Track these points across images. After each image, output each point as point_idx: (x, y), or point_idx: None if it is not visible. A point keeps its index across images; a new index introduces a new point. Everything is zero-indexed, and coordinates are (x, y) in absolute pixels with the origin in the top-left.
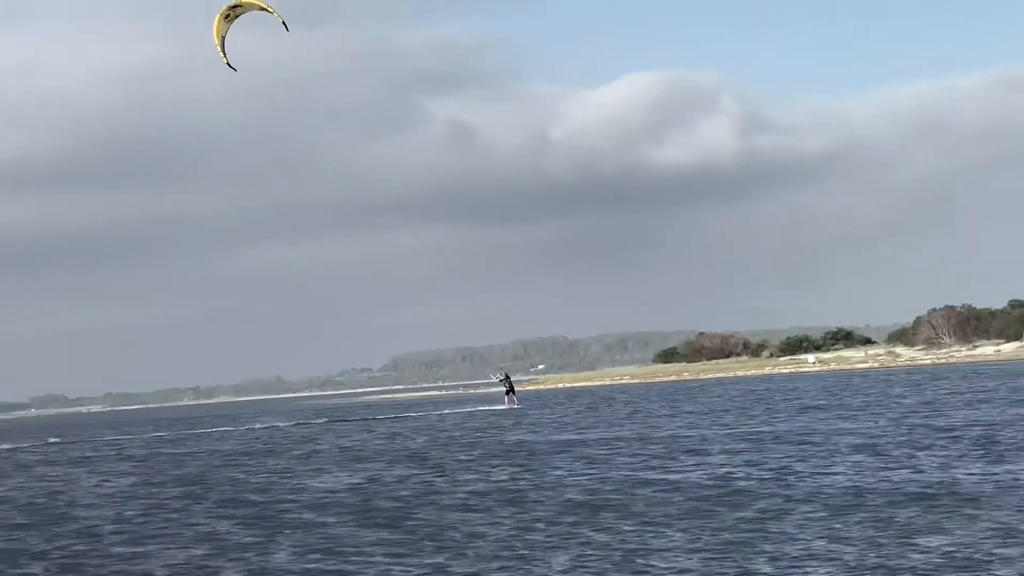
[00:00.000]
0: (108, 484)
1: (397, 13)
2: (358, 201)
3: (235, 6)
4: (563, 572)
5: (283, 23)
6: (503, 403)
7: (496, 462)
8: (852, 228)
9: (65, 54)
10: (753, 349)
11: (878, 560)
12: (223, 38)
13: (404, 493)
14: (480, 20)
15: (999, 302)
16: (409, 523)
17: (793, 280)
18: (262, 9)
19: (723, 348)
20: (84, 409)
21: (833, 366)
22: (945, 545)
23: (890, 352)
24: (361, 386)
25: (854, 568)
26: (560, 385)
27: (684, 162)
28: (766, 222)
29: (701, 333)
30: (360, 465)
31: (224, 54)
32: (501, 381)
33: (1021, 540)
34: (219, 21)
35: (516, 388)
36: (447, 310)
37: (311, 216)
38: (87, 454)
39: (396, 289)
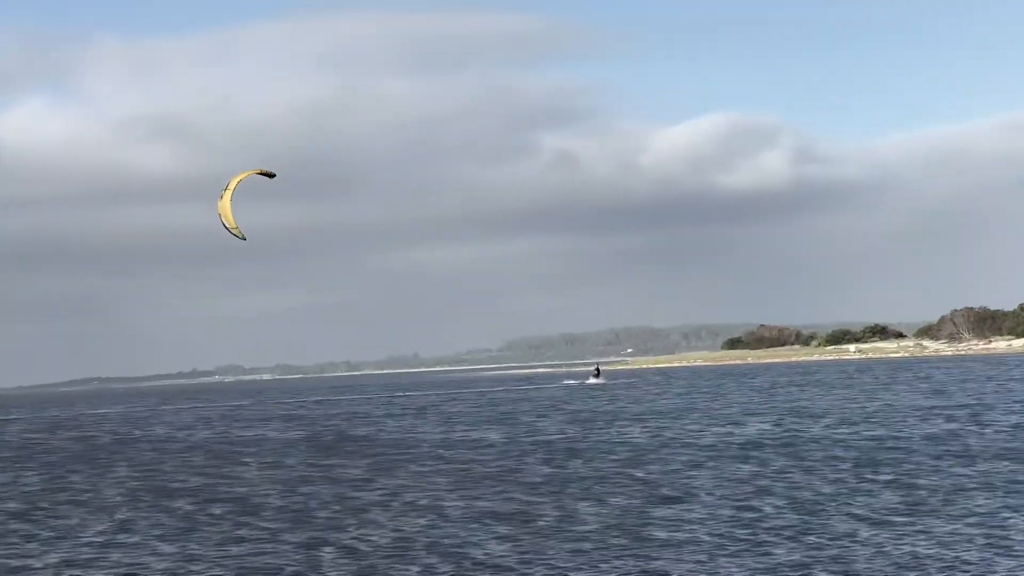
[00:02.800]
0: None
1: (518, 60)
2: (483, 215)
3: (231, 189)
4: None
5: (267, 175)
6: (591, 380)
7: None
8: (885, 242)
9: (254, 94)
10: (804, 339)
11: None
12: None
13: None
14: (584, 66)
15: (1011, 304)
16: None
17: (836, 284)
18: (257, 173)
19: (779, 338)
20: (257, 377)
21: (870, 355)
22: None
23: (918, 344)
24: (482, 363)
25: None
26: (646, 365)
27: (747, 186)
28: (814, 236)
29: (761, 325)
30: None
31: (239, 232)
32: (594, 372)
33: None
34: (228, 203)
35: (608, 368)
36: (552, 302)
37: (445, 226)
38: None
39: (512, 285)
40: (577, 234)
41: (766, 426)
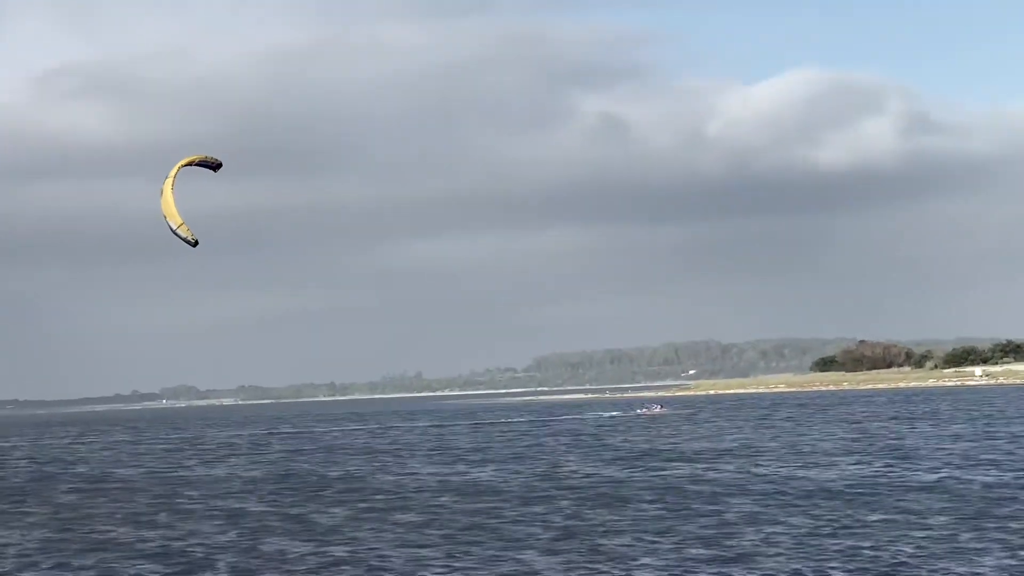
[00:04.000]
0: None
1: (551, 3)
2: (505, 196)
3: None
4: None
5: (214, 166)
6: (652, 409)
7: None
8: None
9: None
10: (916, 360)
11: None
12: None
13: None
14: (635, 12)
15: None
16: None
17: (959, 288)
18: (191, 164)
19: (884, 358)
20: (217, 402)
21: (1002, 380)
22: None
23: None
24: (504, 386)
25: None
26: (712, 391)
27: (843, 163)
28: (931, 227)
29: (861, 341)
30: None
31: (187, 232)
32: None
33: None
34: (170, 197)
35: (666, 393)
36: (594, 309)
37: (456, 211)
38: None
39: (542, 286)
40: (625, 223)
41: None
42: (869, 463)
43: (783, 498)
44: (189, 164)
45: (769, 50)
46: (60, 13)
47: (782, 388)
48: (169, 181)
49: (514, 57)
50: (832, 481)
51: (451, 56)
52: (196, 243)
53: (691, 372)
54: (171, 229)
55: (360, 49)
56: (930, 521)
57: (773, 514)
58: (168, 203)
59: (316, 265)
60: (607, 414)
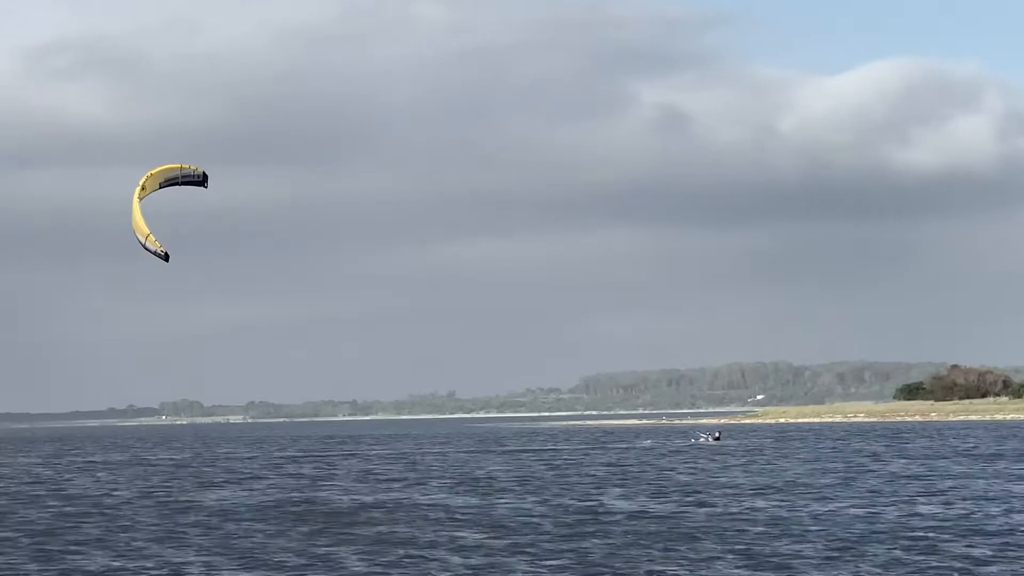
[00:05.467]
0: None
1: None
2: (549, 194)
3: (143, 188)
4: None
5: (198, 180)
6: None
7: None
8: None
9: (223, 12)
10: (1015, 389)
11: None
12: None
13: None
14: None
15: None
16: None
17: None
18: (170, 182)
19: (979, 386)
20: (223, 419)
21: None
22: None
23: None
24: (548, 409)
25: None
26: (783, 419)
27: (934, 165)
28: None
29: (953, 366)
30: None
31: (156, 244)
32: (715, 438)
33: None
34: (137, 207)
35: (727, 420)
36: (650, 325)
37: (494, 209)
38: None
39: (591, 297)
40: (686, 227)
41: None
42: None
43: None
44: (167, 183)
45: (852, 38)
46: None
47: (862, 418)
48: (137, 190)
49: (563, 39)
50: None
51: (493, 37)
52: (167, 256)
53: (759, 397)
54: (142, 245)
55: (391, 26)
56: None
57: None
58: (136, 217)
59: (337, 267)
60: (657, 442)
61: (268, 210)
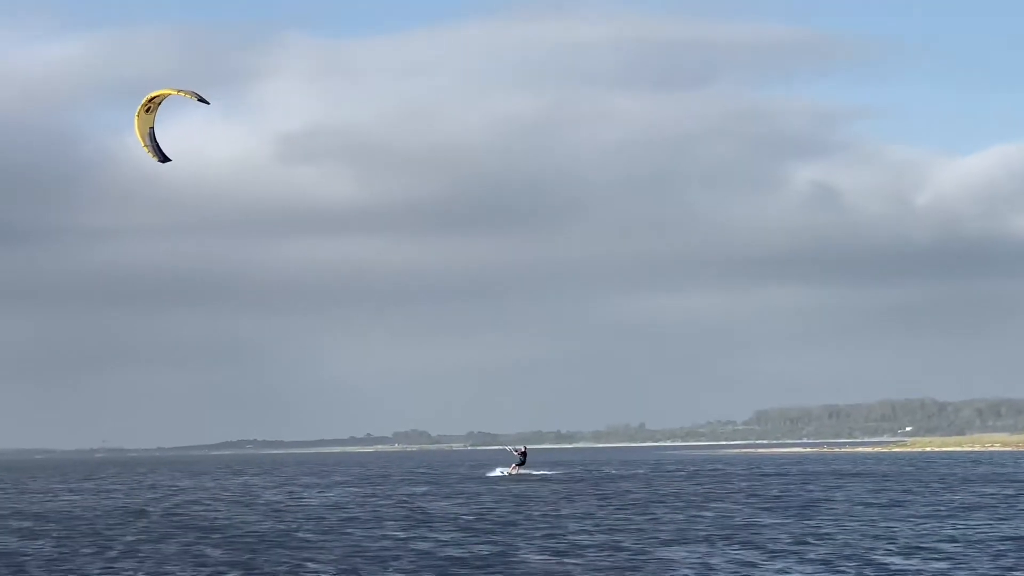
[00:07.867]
0: None
1: (771, 79)
2: (725, 257)
3: (153, 98)
4: None
5: (200, 99)
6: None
7: None
8: None
9: (456, 106)
10: None
11: None
12: (151, 129)
13: None
14: (845, 85)
15: None
16: None
17: None
18: (180, 93)
19: None
20: (447, 447)
21: None
22: None
23: None
24: (725, 438)
25: None
26: (927, 448)
27: None
28: None
29: None
30: None
31: (151, 148)
32: (520, 454)
33: None
34: (139, 116)
35: (880, 449)
36: (811, 365)
37: (678, 269)
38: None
39: (762, 342)
40: (842, 284)
41: None
42: None
43: None
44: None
45: (977, 123)
46: (313, 75)
47: (997, 447)
48: (139, 108)
49: (734, 129)
50: None
51: (676, 126)
52: (165, 159)
53: (907, 428)
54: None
55: (590, 117)
56: None
57: None
58: (136, 128)
59: (545, 317)
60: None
61: (483, 269)
